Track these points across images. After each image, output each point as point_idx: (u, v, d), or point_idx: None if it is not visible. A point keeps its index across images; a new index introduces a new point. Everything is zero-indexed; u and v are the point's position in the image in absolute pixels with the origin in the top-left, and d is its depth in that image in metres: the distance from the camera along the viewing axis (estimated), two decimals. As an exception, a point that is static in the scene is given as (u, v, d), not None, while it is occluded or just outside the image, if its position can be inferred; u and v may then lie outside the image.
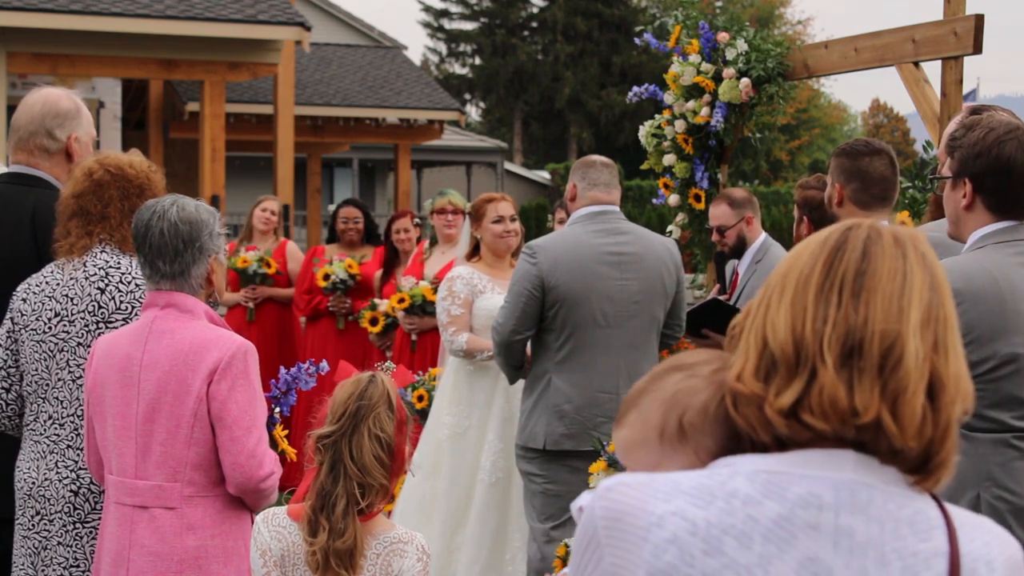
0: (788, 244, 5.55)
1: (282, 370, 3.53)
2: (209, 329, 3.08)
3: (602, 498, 1.37)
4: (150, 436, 3.03)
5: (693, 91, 5.95)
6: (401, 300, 6.53)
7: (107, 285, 3.37)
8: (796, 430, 1.33)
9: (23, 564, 3.38)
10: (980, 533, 1.36)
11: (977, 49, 4.55)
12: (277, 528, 2.72)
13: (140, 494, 3.04)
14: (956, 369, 1.33)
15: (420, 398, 5.50)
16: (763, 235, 5.52)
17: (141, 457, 3.04)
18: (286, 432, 3.43)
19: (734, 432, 1.42)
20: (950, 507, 1.37)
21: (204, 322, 3.09)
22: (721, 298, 5.54)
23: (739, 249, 5.51)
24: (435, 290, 6.25)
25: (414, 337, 6.59)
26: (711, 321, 5.21)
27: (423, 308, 6.45)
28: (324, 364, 3.53)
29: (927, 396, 1.31)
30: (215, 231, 3.16)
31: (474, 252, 5.47)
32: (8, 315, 3.47)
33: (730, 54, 5.81)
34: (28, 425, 3.43)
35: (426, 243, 7.00)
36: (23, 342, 3.42)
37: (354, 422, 2.68)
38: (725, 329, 5.22)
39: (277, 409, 3.43)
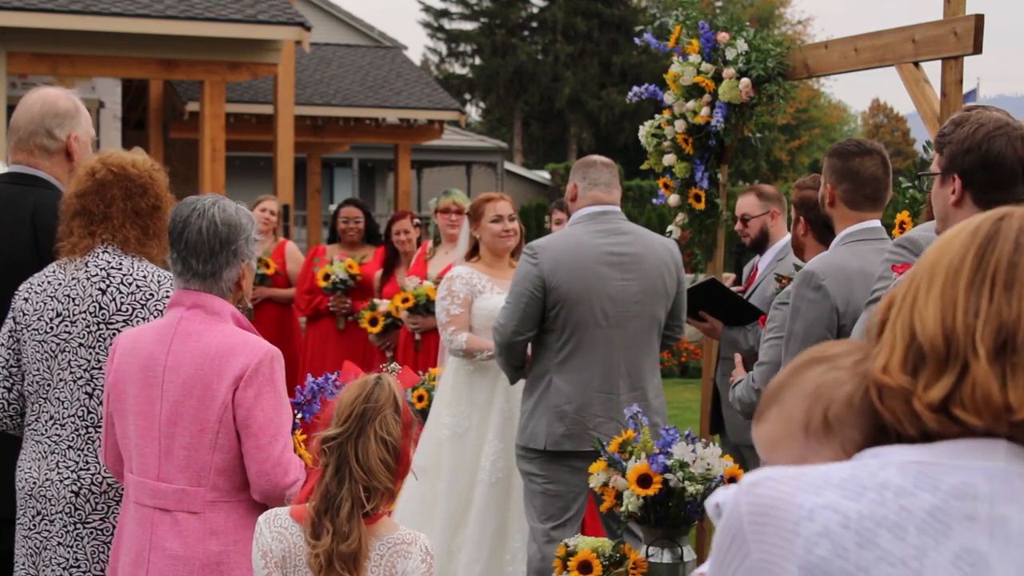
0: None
1: (309, 377, 3.51)
2: (236, 333, 3.05)
3: (748, 493, 1.34)
4: (173, 439, 3.01)
5: (693, 91, 5.95)
6: (405, 300, 6.53)
7: (108, 286, 3.37)
8: (946, 425, 1.31)
9: (23, 564, 3.38)
10: None
11: (977, 49, 4.55)
12: (279, 529, 2.71)
13: (162, 496, 3.02)
14: None
15: (420, 398, 5.50)
16: (788, 235, 5.51)
17: (164, 459, 3.02)
18: (304, 437, 3.43)
19: (880, 424, 1.40)
20: None
21: (230, 325, 3.06)
22: (734, 288, 5.54)
23: (760, 243, 5.49)
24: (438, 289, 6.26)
25: (418, 337, 6.60)
26: (708, 303, 5.21)
27: (427, 308, 6.46)
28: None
29: None
30: (251, 236, 3.13)
31: (473, 252, 5.47)
32: (10, 314, 3.47)
33: (730, 54, 5.80)
34: (29, 425, 3.43)
35: (429, 243, 7.00)
36: (25, 342, 3.42)
37: (360, 424, 2.66)
38: (722, 311, 5.24)
39: (299, 415, 3.41)
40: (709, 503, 1.47)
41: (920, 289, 1.36)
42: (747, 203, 5.52)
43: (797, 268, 4.97)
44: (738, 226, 5.56)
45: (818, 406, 1.50)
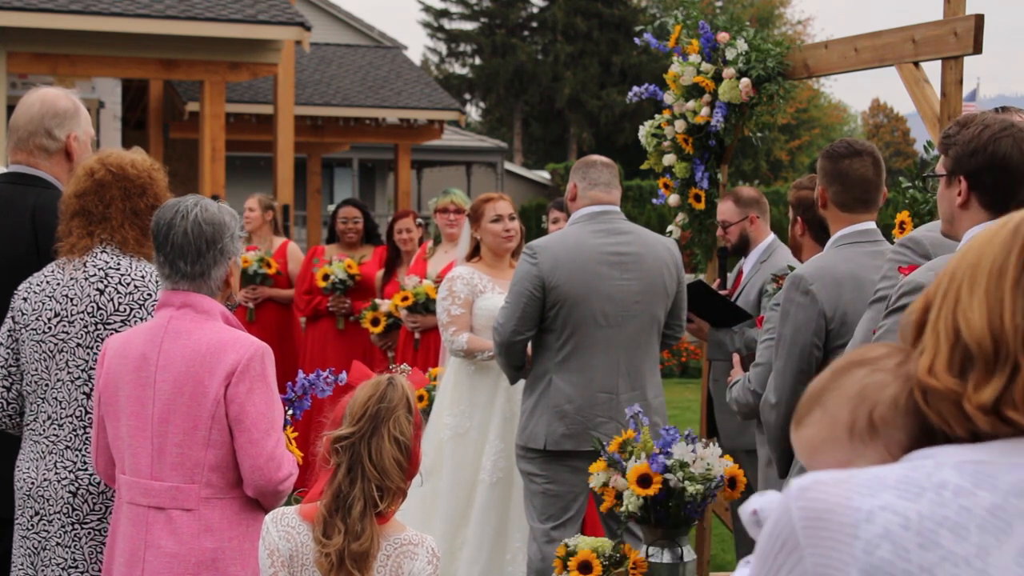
0: (785, 243, 5.55)
1: (300, 374, 3.52)
2: (226, 330, 3.07)
3: (799, 498, 1.32)
4: (165, 437, 3.02)
5: (693, 91, 5.95)
6: (405, 299, 6.54)
7: (106, 286, 3.37)
8: (998, 426, 1.30)
9: (22, 564, 3.38)
10: None
11: (977, 49, 4.55)
12: (286, 528, 2.71)
13: (156, 495, 3.03)
14: None
15: (420, 398, 5.50)
16: (771, 236, 5.52)
17: (156, 458, 3.03)
18: (296, 435, 3.43)
19: (926, 425, 1.39)
20: None
21: (220, 323, 3.09)
22: (721, 292, 5.54)
23: (741, 247, 5.52)
24: (438, 289, 6.27)
25: (417, 336, 6.60)
26: (695, 304, 5.21)
27: (426, 306, 6.46)
28: (344, 375, 3.52)
29: None
30: (235, 234, 3.16)
31: (474, 252, 5.47)
32: (9, 314, 3.47)
33: (730, 54, 5.80)
34: (28, 425, 3.43)
35: (429, 243, 7.00)
36: (23, 341, 3.42)
37: (374, 424, 2.68)
38: (708, 313, 5.23)
39: (290, 412, 3.42)
40: (744, 511, 1.46)
41: (963, 290, 1.35)
42: (725, 209, 5.54)
43: (791, 269, 4.98)
44: (719, 232, 5.58)
45: (863, 408, 1.49)
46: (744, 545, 5.37)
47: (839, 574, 1.28)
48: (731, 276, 5.76)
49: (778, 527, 1.33)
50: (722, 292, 5.53)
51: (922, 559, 1.26)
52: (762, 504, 1.40)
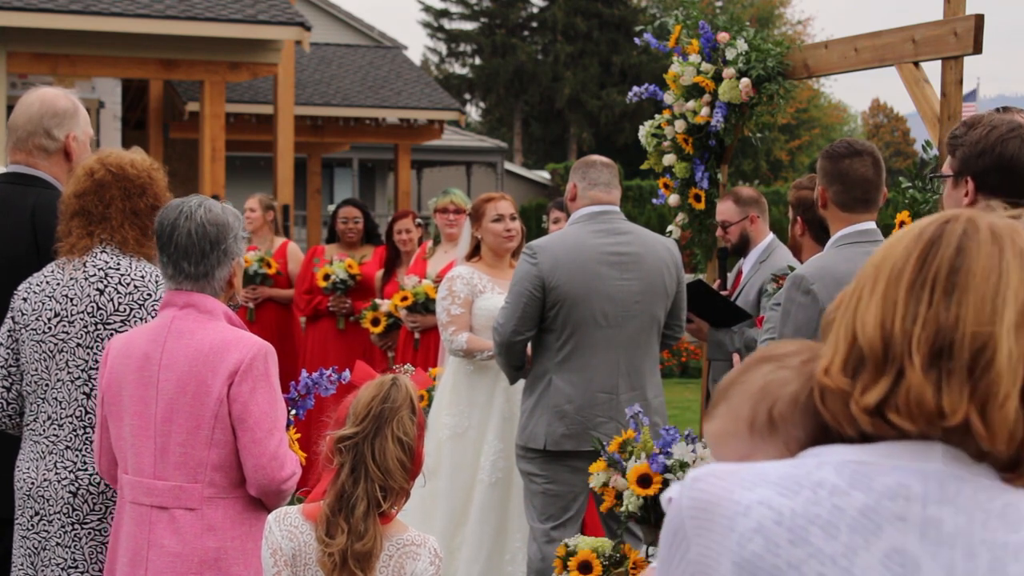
0: (785, 243, 5.56)
1: (303, 373, 3.52)
2: (228, 330, 3.08)
3: (689, 488, 1.36)
4: (168, 436, 3.02)
5: (693, 91, 5.95)
6: (404, 298, 6.54)
7: (106, 286, 3.37)
8: (881, 428, 1.31)
9: (22, 564, 3.38)
10: None
11: (977, 49, 4.55)
12: (289, 528, 2.71)
13: (159, 494, 3.03)
14: None
15: (420, 398, 5.49)
16: (770, 236, 5.52)
17: (159, 457, 3.03)
18: (298, 436, 3.43)
19: (823, 424, 1.41)
20: None
21: (223, 323, 3.09)
22: (723, 292, 5.54)
23: (741, 247, 5.52)
24: (438, 288, 6.27)
25: (417, 336, 6.60)
26: (694, 304, 5.21)
27: (425, 306, 6.47)
28: (347, 373, 3.52)
29: (1021, 399, 1.28)
30: (239, 234, 3.16)
31: (474, 252, 5.47)
32: (9, 314, 3.47)
33: (730, 54, 5.80)
34: (28, 425, 3.43)
35: (429, 242, 7.01)
36: (23, 341, 3.42)
37: (377, 424, 2.68)
38: (708, 313, 5.24)
39: (293, 412, 3.42)
40: (664, 498, 1.49)
41: (864, 291, 1.35)
42: (725, 209, 5.54)
43: (791, 268, 4.98)
44: (719, 232, 5.58)
45: (763, 404, 1.51)
46: None
47: (716, 564, 1.31)
48: (731, 276, 5.77)
49: (671, 516, 1.37)
50: (722, 292, 5.54)
51: (791, 555, 1.28)
52: (673, 492, 1.43)
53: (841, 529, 1.28)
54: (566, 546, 4.10)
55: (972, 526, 1.28)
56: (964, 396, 1.27)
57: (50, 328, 3.38)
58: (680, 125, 6.01)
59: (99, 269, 3.38)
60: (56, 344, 3.37)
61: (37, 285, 3.43)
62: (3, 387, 3.45)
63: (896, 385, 1.29)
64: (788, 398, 1.50)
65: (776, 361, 1.54)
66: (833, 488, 1.30)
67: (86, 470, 3.34)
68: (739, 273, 5.64)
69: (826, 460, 1.33)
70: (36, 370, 3.39)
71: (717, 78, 5.87)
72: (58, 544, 3.32)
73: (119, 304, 3.37)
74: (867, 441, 1.34)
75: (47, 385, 3.38)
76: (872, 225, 3.87)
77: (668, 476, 3.87)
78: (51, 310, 3.38)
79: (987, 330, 1.28)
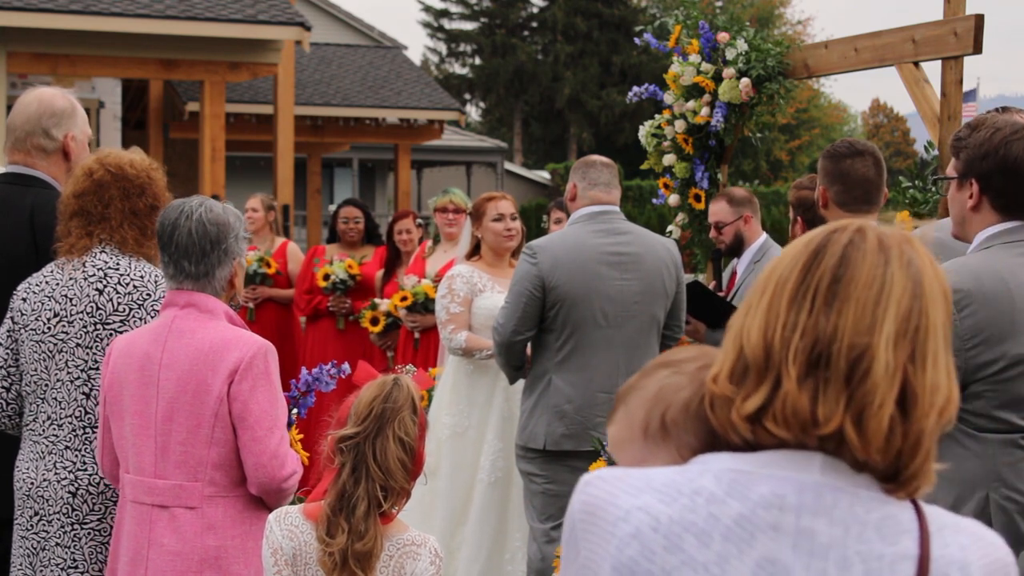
0: (783, 244, 5.56)
1: (303, 371, 3.52)
2: (229, 329, 3.08)
3: (581, 492, 1.38)
4: (169, 435, 3.03)
5: (693, 91, 5.95)
6: (404, 298, 6.54)
7: (105, 286, 3.37)
8: (760, 435, 1.32)
9: (21, 564, 3.38)
10: (960, 537, 1.32)
11: (977, 49, 4.55)
12: (290, 527, 2.71)
13: (159, 493, 3.04)
14: (933, 380, 1.29)
15: (421, 398, 5.50)
16: (763, 236, 5.52)
17: (160, 456, 3.04)
18: (301, 436, 3.43)
19: (715, 430, 1.41)
20: (932, 510, 1.34)
21: (224, 322, 3.10)
22: (719, 292, 5.54)
23: (736, 247, 5.52)
24: (438, 287, 6.27)
25: (416, 335, 6.60)
26: (691, 305, 5.21)
27: (425, 306, 6.47)
28: (346, 366, 3.52)
29: (898, 407, 1.28)
30: (240, 234, 3.17)
31: (474, 251, 5.47)
32: (8, 314, 3.46)
33: (730, 54, 5.81)
34: (27, 425, 3.43)
35: (429, 242, 7.01)
36: (23, 342, 3.42)
37: (379, 424, 2.68)
38: (704, 314, 5.23)
39: (295, 411, 3.42)
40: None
41: (753, 300, 1.36)
42: (719, 210, 5.54)
43: None
44: (712, 233, 5.58)
45: (656, 409, 1.52)
46: None
47: (597, 568, 1.33)
48: (725, 275, 5.76)
49: (568, 516, 1.39)
50: (718, 293, 5.54)
51: (665, 561, 1.29)
52: None
53: (715, 537, 1.29)
54: (566, 546, 4.10)
55: (847, 537, 1.28)
56: (840, 405, 1.27)
57: (49, 328, 3.38)
58: (680, 125, 6.01)
59: (98, 269, 3.38)
60: (55, 344, 3.37)
61: (36, 285, 3.43)
62: (3, 387, 3.44)
63: (774, 393, 1.30)
64: (680, 404, 1.51)
65: (673, 367, 1.55)
66: (711, 496, 1.31)
67: (85, 470, 3.34)
68: (733, 273, 5.63)
69: (709, 468, 1.34)
70: (35, 370, 3.39)
71: (717, 78, 5.87)
72: (57, 544, 3.32)
73: (118, 304, 3.37)
74: (753, 449, 1.34)
75: (46, 385, 3.38)
76: (875, 224, 3.87)
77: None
78: (50, 310, 3.38)
79: (865, 340, 1.28)
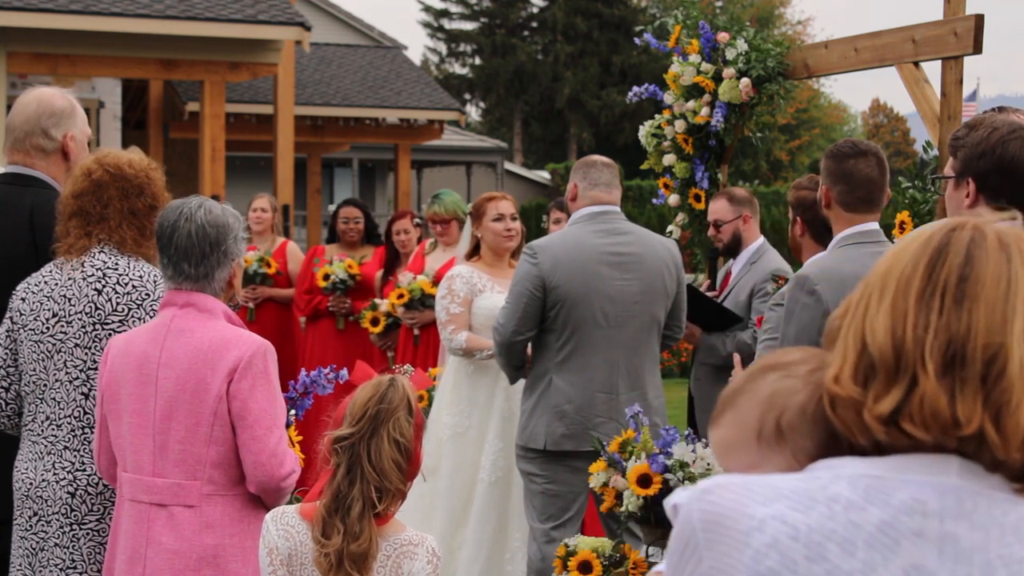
0: (787, 244, 5.55)
1: (302, 373, 3.52)
2: (228, 328, 3.09)
3: (700, 500, 1.34)
4: (167, 434, 3.03)
5: (693, 91, 5.95)
6: (400, 296, 6.54)
7: (104, 286, 3.37)
8: (895, 437, 1.30)
9: (20, 565, 3.38)
10: None
11: (977, 49, 4.55)
12: (286, 527, 2.71)
13: (158, 492, 3.04)
14: None
15: (420, 398, 5.50)
16: (761, 238, 5.52)
17: (159, 455, 3.04)
18: (300, 438, 3.43)
19: (833, 433, 1.39)
20: None
21: (223, 321, 3.11)
22: (709, 293, 5.53)
23: (734, 247, 5.51)
24: (434, 284, 6.27)
25: (416, 332, 6.60)
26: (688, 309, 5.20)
27: (422, 302, 6.47)
28: (344, 372, 3.52)
29: None
30: (239, 235, 3.18)
31: (474, 251, 5.47)
32: (7, 314, 3.46)
33: (730, 54, 5.80)
34: (26, 425, 3.43)
35: (429, 240, 7.01)
36: (22, 342, 3.42)
37: (374, 425, 2.67)
38: (699, 317, 5.21)
39: (292, 412, 3.43)
40: (667, 503, 1.48)
41: (872, 298, 1.35)
42: (719, 208, 5.53)
43: (776, 277, 4.98)
44: (711, 231, 5.57)
45: (771, 413, 1.50)
46: None
47: None
48: (720, 275, 5.76)
49: (682, 527, 1.35)
50: (711, 293, 5.53)
51: (808, 571, 1.27)
52: (680, 499, 1.42)
53: (858, 545, 1.27)
54: (566, 546, 4.10)
55: (989, 541, 1.27)
56: (978, 404, 1.26)
57: (48, 328, 3.38)
58: (680, 125, 6.01)
59: (97, 269, 3.38)
60: (54, 344, 3.37)
61: (35, 285, 3.43)
62: (2, 387, 3.44)
63: (909, 394, 1.28)
64: (796, 408, 1.48)
65: (782, 369, 1.53)
66: (848, 503, 1.29)
67: (84, 470, 3.34)
68: (728, 273, 5.63)
69: (840, 474, 1.32)
70: (34, 370, 3.39)
71: (717, 78, 5.86)
72: (56, 545, 3.32)
73: (117, 304, 3.37)
74: (879, 450, 1.33)
75: (45, 385, 3.38)
76: (875, 226, 3.87)
77: (668, 476, 3.87)
78: (49, 310, 3.38)
79: (998, 340, 1.27)
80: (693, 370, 5.48)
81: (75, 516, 3.33)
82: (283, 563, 2.69)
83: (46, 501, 3.33)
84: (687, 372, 14.18)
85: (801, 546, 1.27)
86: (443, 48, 41.86)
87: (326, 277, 7.42)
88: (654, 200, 6.48)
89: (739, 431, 1.53)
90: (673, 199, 6.12)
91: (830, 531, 1.27)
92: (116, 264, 3.40)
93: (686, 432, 4.08)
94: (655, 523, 3.95)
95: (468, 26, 41.58)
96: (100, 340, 3.35)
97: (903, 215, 4.41)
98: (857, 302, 1.37)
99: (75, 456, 3.34)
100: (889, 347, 1.30)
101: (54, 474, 3.34)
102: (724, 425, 1.55)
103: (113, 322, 3.36)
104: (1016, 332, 1.28)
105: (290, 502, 3.09)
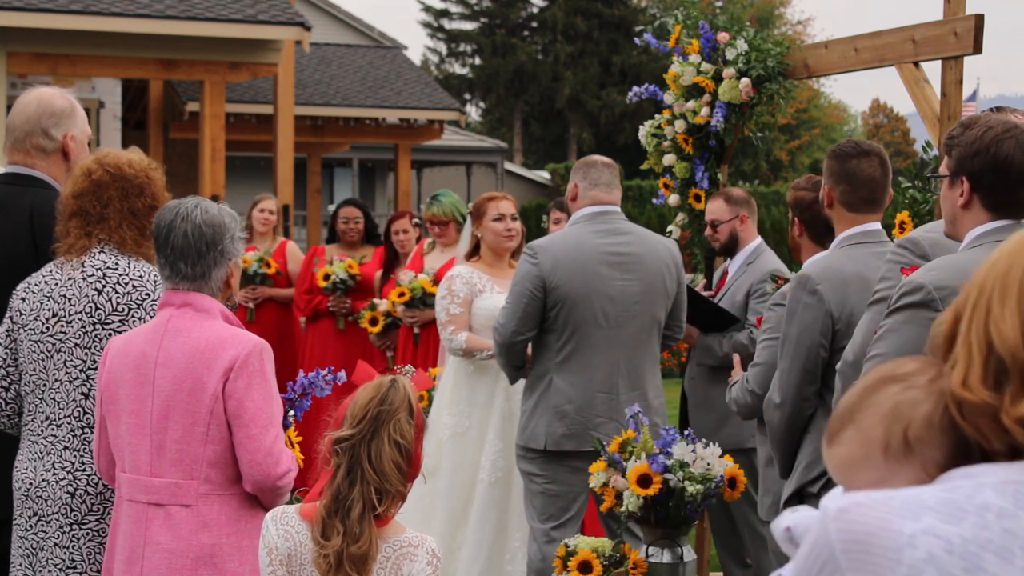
0: (787, 244, 5.55)
1: (300, 374, 3.52)
2: (225, 328, 3.10)
3: (837, 520, 1.30)
4: (165, 434, 3.03)
5: (693, 91, 5.95)
6: (401, 294, 6.54)
7: (104, 286, 3.37)
8: None
9: (20, 565, 3.38)
10: None
11: (977, 49, 4.55)
12: (285, 527, 2.71)
13: (155, 491, 3.04)
14: None
15: (420, 398, 5.49)
16: (758, 239, 5.51)
17: (156, 455, 3.04)
18: (300, 439, 3.43)
19: (961, 442, 1.37)
20: None
21: (220, 321, 3.11)
22: (705, 293, 5.53)
23: (730, 247, 5.51)
24: (435, 283, 6.27)
25: (416, 331, 6.60)
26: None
27: (423, 301, 6.46)
28: (342, 374, 3.51)
29: None
30: (236, 235, 3.18)
31: (474, 251, 5.47)
32: (7, 314, 3.47)
33: (730, 54, 5.80)
34: (26, 425, 3.43)
35: (428, 239, 7.01)
36: (21, 341, 3.42)
37: (374, 426, 2.67)
38: (696, 318, 5.19)
39: (291, 412, 3.42)
40: (777, 527, 1.43)
41: (994, 300, 1.32)
42: (716, 208, 5.52)
43: (774, 277, 4.97)
44: (708, 231, 5.56)
45: (897, 426, 1.46)
46: (722, 542, 5.38)
47: None
48: (716, 276, 5.75)
49: (817, 548, 1.31)
50: (707, 293, 5.53)
51: None
52: (795, 521, 1.38)
53: (1016, 552, 1.24)
54: (566, 546, 4.10)
55: None
56: None
57: (48, 328, 3.38)
58: (680, 125, 6.01)
59: (97, 269, 3.38)
60: (54, 344, 3.37)
61: (35, 285, 3.43)
62: (1, 387, 3.44)
63: None
64: (922, 419, 1.45)
65: (902, 381, 1.49)
66: (1000, 511, 1.26)
67: (84, 470, 3.34)
68: (724, 273, 5.62)
69: (983, 482, 1.30)
70: (34, 370, 3.39)
71: (717, 78, 5.86)
72: (56, 545, 3.32)
73: (117, 304, 3.37)
74: (1015, 455, 1.30)
75: (45, 385, 3.38)
76: (878, 226, 3.87)
77: (668, 476, 3.87)
78: (49, 310, 3.38)
79: None
80: (687, 369, 5.48)
81: (75, 516, 3.33)
82: (282, 563, 2.69)
83: (46, 501, 3.33)
84: (687, 372, 14.21)
85: (957, 559, 1.25)
86: (443, 48, 41.87)
87: (326, 277, 7.42)
88: (654, 200, 6.48)
89: (863, 447, 1.49)
90: (673, 199, 6.12)
91: (985, 540, 1.25)
92: (116, 264, 3.40)
93: (686, 432, 4.08)
94: (655, 523, 3.95)
95: (468, 26, 41.58)
96: (100, 340, 3.35)
97: (903, 215, 4.41)
98: (975, 305, 1.34)
99: (75, 456, 3.34)
100: (1021, 348, 1.28)
101: (54, 474, 3.34)
102: (845, 442, 1.51)
103: (113, 322, 3.36)
104: None
105: (290, 502, 3.09)
